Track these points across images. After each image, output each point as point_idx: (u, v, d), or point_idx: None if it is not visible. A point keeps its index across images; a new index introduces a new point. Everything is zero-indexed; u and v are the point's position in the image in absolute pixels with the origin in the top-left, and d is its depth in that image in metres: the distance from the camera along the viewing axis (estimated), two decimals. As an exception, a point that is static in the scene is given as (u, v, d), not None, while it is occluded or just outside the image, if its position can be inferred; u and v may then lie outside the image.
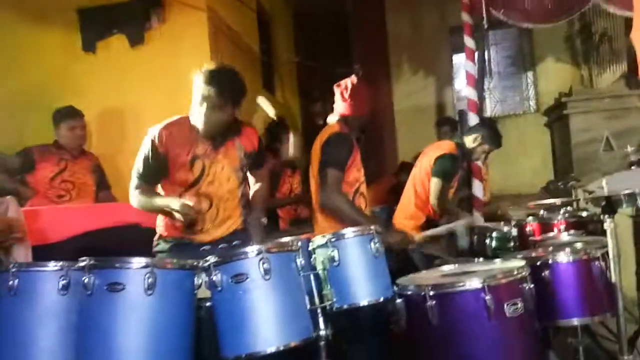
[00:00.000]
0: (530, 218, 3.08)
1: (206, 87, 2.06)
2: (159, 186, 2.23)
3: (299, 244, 1.60)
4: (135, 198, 2.18)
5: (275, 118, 2.05)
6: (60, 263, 1.53)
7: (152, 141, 2.12)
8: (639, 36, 1.03)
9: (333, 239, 1.66)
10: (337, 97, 2.50)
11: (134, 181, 2.19)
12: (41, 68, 4.04)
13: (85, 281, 1.38)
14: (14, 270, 1.50)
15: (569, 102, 5.91)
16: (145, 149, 2.14)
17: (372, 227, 1.72)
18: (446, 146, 3.24)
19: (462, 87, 5.98)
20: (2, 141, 3.38)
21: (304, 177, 3.62)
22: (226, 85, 2.08)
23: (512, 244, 3.14)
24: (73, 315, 1.43)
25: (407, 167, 5.61)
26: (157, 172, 2.16)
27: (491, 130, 3.33)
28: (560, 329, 3.04)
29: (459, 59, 6.82)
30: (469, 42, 4.73)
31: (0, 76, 3.85)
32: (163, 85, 3.92)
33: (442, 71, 7.13)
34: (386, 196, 4.57)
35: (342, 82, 2.51)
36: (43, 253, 2.12)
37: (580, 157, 5.81)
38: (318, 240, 1.68)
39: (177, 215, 2.00)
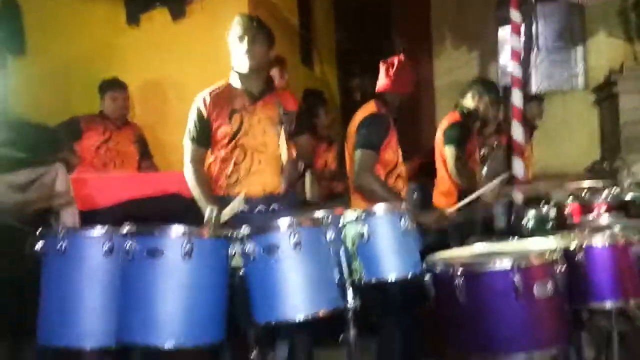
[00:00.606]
0: (570, 199, 3.00)
1: (244, 24, 2.24)
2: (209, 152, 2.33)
3: (330, 218, 1.64)
4: (188, 172, 2.32)
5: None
6: (105, 228, 1.62)
7: (198, 108, 2.29)
8: None
9: (363, 215, 1.68)
10: (382, 73, 2.50)
11: (187, 149, 2.32)
12: (87, 41, 4.17)
13: (127, 247, 1.47)
14: (62, 233, 1.60)
15: (619, 80, 5.64)
16: (192, 115, 2.31)
17: (403, 204, 1.74)
18: (450, 117, 3.27)
19: (507, 62, 5.79)
20: (50, 111, 3.53)
21: (340, 152, 3.65)
22: (260, 22, 2.29)
23: (550, 225, 3.08)
24: (116, 278, 1.52)
25: None
26: (205, 134, 2.29)
27: (480, 81, 3.37)
28: (594, 312, 3.00)
29: (504, 33, 6.58)
30: (514, 15, 4.53)
31: (47, 49, 3.98)
32: (203, 58, 3.98)
33: (487, 46, 6.90)
34: (417, 174, 4.54)
35: (389, 59, 2.53)
36: (89, 218, 2.25)
37: (629, 137, 5.57)
38: (349, 215, 1.71)
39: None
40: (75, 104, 3.76)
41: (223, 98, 2.29)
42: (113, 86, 3.46)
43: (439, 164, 3.25)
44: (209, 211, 2.07)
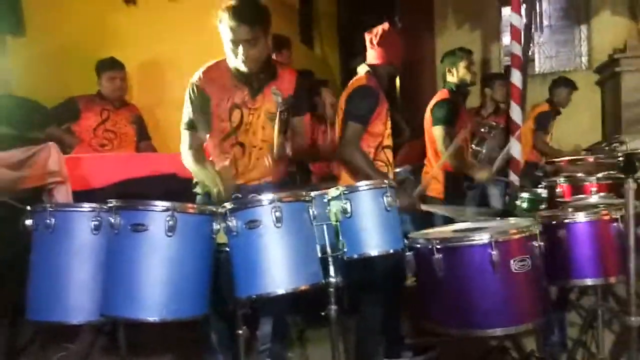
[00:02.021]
0: (562, 179, 3.01)
1: (235, 26, 2.01)
2: (207, 139, 2.21)
3: (313, 194, 1.67)
4: (187, 160, 2.22)
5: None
6: (93, 205, 1.66)
7: (194, 84, 2.16)
8: None
9: (346, 191, 1.70)
10: (367, 45, 2.48)
11: (184, 138, 2.22)
12: (84, 20, 4.15)
13: (112, 221, 1.51)
14: (51, 209, 1.65)
15: (622, 59, 5.57)
16: (188, 95, 2.18)
17: (386, 181, 1.76)
18: (438, 94, 3.27)
19: (510, 41, 5.72)
20: (47, 92, 3.54)
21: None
22: (252, 17, 2.04)
23: (543, 205, 3.10)
24: (104, 253, 1.57)
25: None
26: (203, 115, 2.15)
27: (450, 52, 3.35)
28: (584, 292, 3.03)
29: (508, 12, 6.49)
30: (516, -8, 4.49)
31: (45, 28, 3.98)
32: (202, 38, 3.90)
33: (490, 25, 6.81)
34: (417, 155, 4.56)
35: (374, 29, 2.48)
36: (84, 198, 2.28)
37: (630, 118, 5.52)
38: (332, 192, 1.73)
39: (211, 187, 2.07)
40: (73, 84, 3.76)
41: (222, 81, 2.15)
42: (110, 66, 3.46)
43: (427, 144, 3.25)
44: (215, 191, 2.04)
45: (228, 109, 2.16)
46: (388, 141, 2.48)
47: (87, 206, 1.68)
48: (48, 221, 1.62)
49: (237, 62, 2.08)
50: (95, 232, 1.63)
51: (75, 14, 4.13)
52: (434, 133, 3.11)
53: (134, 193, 2.65)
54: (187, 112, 2.20)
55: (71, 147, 3.26)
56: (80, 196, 2.33)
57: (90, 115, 3.39)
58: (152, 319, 1.46)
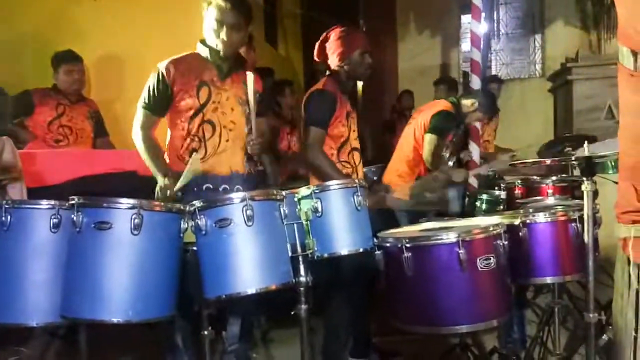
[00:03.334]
0: (519, 181, 3.12)
1: (223, 9, 2.12)
2: (166, 117, 2.24)
3: (284, 193, 1.65)
4: (137, 138, 2.21)
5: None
6: (52, 202, 1.59)
7: (160, 72, 2.17)
8: None
9: (317, 190, 1.70)
10: (328, 53, 2.50)
11: (138, 115, 2.22)
12: (42, 12, 3.99)
13: (74, 219, 1.44)
14: (7, 206, 1.56)
15: (573, 68, 5.83)
16: (152, 80, 2.18)
17: (356, 180, 1.77)
18: (442, 104, 3.28)
19: (468, 48, 5.89)
20: (3, 84, 3.38)
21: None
22: (242, 4, 2.17)
23: (501, 206, 3.21)
24: (63, 252, 1.50)
25: (390, 126, 5.70)
26: (162, 102, 2.18)
27: (489, 99, 3.40)
28: (540, 290, 3.16)
29: (467, 19, 6.68)
30: (476, 0, 4.63)
31: (1, 20, 3.81)
32: (164, 33, 3.88)
33: (449, 31, 7.01)
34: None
35: (326, 33, 2.50)
36: (39, 195, 2.18)
37: (581, 124, 5.78)
38: (303, 191, 1.72)
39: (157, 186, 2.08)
40: (30, 78, 3.61)
41: (190, 68, 2.18)
42: (67, 59, 3.32)
43: (402, 145, 3.26)
44: (161, 181, 2.06)
45: (196, 86, 2.17)
46: (355, 143, 2.49)
47: (45, 203, 1.60)
48: (3, 219, 1.54)
49: (217, 41, 2.17)
50: (54, 230, 1.56)
51: (34, 4, 3.96)
52: (427, 139, 3.10)
53: (92, 191, 2.55)
54: (146, 93, 2.21)
55: (24, 142, 3.11)
56: (35, 193, 2.23)
57: (44, 110, 3.25)
58: (116, 320, 1.41)
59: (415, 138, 3.18)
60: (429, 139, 3.08)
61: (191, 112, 2.17)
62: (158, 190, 2.07)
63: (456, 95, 4.56)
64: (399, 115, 5.71)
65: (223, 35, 2.14)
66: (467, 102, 3.28)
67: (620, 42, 1.05)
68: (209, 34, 2.19)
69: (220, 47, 2.17)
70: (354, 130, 2.48)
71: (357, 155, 2.50)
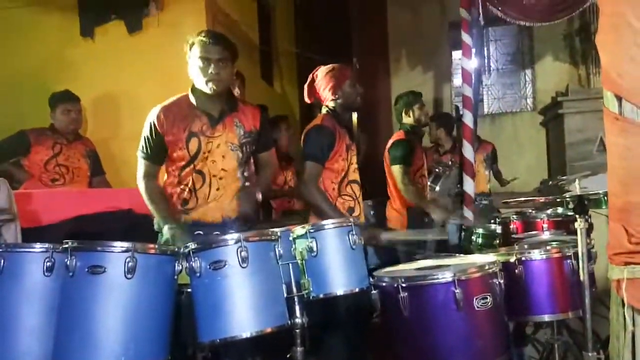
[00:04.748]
0: (515, 216, 3.13)
1: (210, 46, 2.13)
2: (163, 167, 2.26)
3: (279, 233, 1.65)
4: (140, 188, 2.22)
5: None
6: (46, 245, 1.57)
7: (152, 122, 2.18)
8: (604, 39, 1.03)
9: (312, 230, 1.70)
10: (320, 93, 2.55)
11: (140, 164, 2.23)
12: (39, 52, 4.07)
13: (68, 263, 1.43)
14: (0, 250, 1.55)
15: (564, 102, 5.94)
16: (146, 130, 2.20)
17: (351, 219, 1.77)
18: (395, 135, 3.42)
19: (460, 83, 6.01)
20: (0, 124, 3.42)
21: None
22: (225, 40, 2.19)
23: (497, 241, 3.21)
24: (56, 296, 1.48)
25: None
26: (158, 151, 2.20)
27: (404, 95, 3.50)
28: (539, 326, 3.12)
29: (458, 55, 6.83)
30: (466, 38, 4.74)
31: (-1, 60, 3.89)
32: (159, 73, 3.95)
33: (441, 67, 7.15)
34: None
35: (309, 77, 2.56)
36: (34, 235, 2.17)
37: (573, 157, 5.85)
38: (298, 230, 1.73)
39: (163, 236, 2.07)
40: (27, 117, 3.65)
41: (180, 116, 2.17)
42: (65, 99, 3.37)
43: (389, 182, 3.35)
44: (167, 233, 2.04)
45: (185, 138, 2.17)
46: (354, 176, 2.52)
47: (38, 247, 1.58)
48: (-4, 263, 1.53)
49: (205, 81, 2.15)
50: (47, 274, 1.54)
51: (31, 46, 4.05)
52: (393, 171, 3.23)
53: (87, 230, 2.55)
54: (143, 142, 2.22)
55: (20, 182, 3.11)
56: (31, 233, 2.22)
57: (41, 149, 3.26)
58: (108, 366, 1.38)
59: (389, 173, 3.30)
60: (395, 171, 3.21)
61: (182, 163, 2.19)
62: (168, 238, 2.02)
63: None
64: None
65: (211, 69, 2.12)
66: (404, 116, 3.42)
67: (605, 87, 1.08)
68: (197, 75, 2.16)
69: (210, 85, 2.14)
70: (352, 163, 2.51)
71: (357, 188, 2.52)
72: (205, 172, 2.18)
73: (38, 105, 3.51)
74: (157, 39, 4.08)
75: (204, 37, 2.15)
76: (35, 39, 4.09)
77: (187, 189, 2.18)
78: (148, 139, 2.20)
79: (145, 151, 2.21)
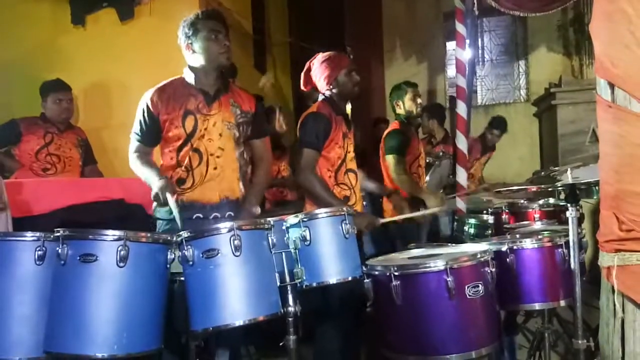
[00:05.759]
0: (507, 207, 3.15)
1: (206, 21, 2.18)
2: (159, 147, 2.26)
3: (272, 222, 1.65)
4: (132, 159, 2.24)
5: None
6: (37, 234, 1.57)
7: (146, 104, 2.19)
8: (598, 26, 1.03)
9: (305, 219, 1.70)
10: (315, 82, 2.54)
11: (132, 143, 2.24)
12: (30, 40, 4.02)
13: (59, 251, 1.43)
14: (-9, 239, 1.54)
15: (557, 93, 5.93)
16: (140, 112, 2.21)
17: (344, 208, 1.77)
18: (390, 126, 3.45)
19: (454, 74, 6.00)
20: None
21: (293, 159, 3.67)
22: (220, 15, 2.24)
23: (489, 231, 3.23)
24: (48, 285, 1.48)
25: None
26: (153, 133, 2.21)
27: (395, 86, 3.48)
28: (530, 314, 3.15)
29: (452, 46, 6.81)
30: (460, 28, 4.74)
31: (-12, 47, 3.84)
32: (151, 61, 3.92)
33: (435, 57, 7.12)
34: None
35: (306, 65, 2.55)
36: (25, 225, 2.16)
37: (566, 148, 5.86)
38: (291, 219, 1.73)
39: (153, 192, 2.04)
40: (17, 106, 3.61)
41: (175, 95, 2.18)
42: (56, 88, 3.33)
43: (383, 171, 3.35)
44: (157, 184, 2.02)
45: (181, 116, 2.17)
46: (351, 165, 2.50)
47: (30, 235, 1.57)
48: (-13, 251, 1.52)
49: (219, 53, 2.18)
50: (39, 263, 1.54)
51: (21, 34, 4.00)
52: (387, 161, 3.23)
53: (79, 219, 2.54)
54: (137, 125, 2.24)
55: (11, 171, 3.09)
56: (22, 223, 2.21)
57: (32, 138, 3.23)
58: (101, 355, 1.38)
59: (383, 163, 3.32)
60: (389, 160, 3.22)
61: (179, 142, 2.18)
62: (158, 193, 2.00)
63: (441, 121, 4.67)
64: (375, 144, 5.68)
65: (224, 42, 2.18)
66: (396, 103, 3.41)
67: (598, 75, 1.08)
68: (205, 50, 2.17)
69: (224, 57, 2.19)
70: (349, 152, 2.50)
71: (353, 177, 2.51)
72: (202, 150, 2.17)
73: (29, 94, 3.48)
74: (149, 27, 4.04)
75: (209, 13, 2.22)
76: (26, 26, 4.04)
77: (184, 168, 2.17)
78: (142, 121, 2.21)
79: (139, 133, 2.23)
